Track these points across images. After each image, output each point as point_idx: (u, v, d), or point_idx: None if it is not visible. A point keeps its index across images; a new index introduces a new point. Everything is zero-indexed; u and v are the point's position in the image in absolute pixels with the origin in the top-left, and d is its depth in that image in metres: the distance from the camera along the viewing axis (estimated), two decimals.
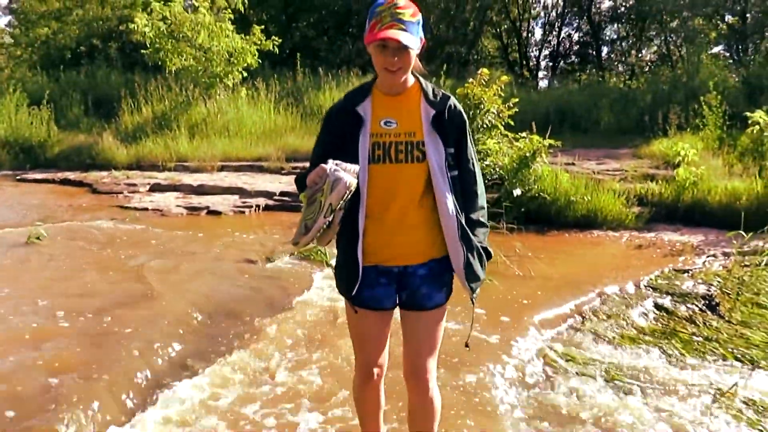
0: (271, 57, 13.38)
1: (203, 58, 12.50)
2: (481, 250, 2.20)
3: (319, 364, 3.55)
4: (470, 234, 2.16)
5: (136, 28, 12.13)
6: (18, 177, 11.01)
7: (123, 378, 3.14)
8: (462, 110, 2.23)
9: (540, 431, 2.98)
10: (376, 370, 2.33)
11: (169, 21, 12.24)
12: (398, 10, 2.05)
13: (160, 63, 12.69)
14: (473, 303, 2.22)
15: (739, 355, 3.90)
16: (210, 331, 3.91)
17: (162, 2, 12.23)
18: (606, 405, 3.22)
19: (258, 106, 13.01)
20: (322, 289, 4.77)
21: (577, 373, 3.59)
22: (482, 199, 2.27)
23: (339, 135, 2.18)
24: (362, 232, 2.13)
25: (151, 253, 5.55)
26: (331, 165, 2.01)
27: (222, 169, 10.50)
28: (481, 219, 2.25)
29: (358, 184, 2.04)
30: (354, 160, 2.09)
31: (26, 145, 12.65)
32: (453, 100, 2.22)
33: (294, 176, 9.65)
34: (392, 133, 2.15)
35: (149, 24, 12.14)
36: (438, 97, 2.20)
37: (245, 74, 12.90)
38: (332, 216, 2.03)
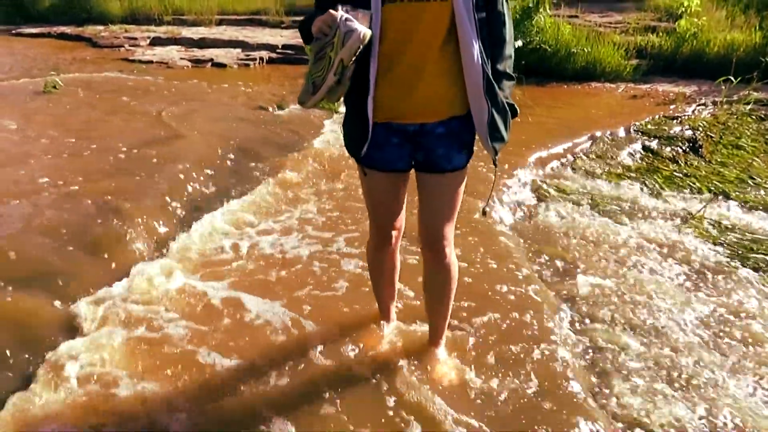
0: None
1: None
2: (507, 107, 1.93)
3: (340, 193, 3.97)
4: (496, 88, 1.88)
5: None
6: (13, 32, 10.87)
7: (167, 200, 3.56)
8: None
9: (534, 248, 3.45)
10: (393, 233, 2.21)
11: None
12: None
13: None
14: (495, 165, 1.99)
15: (712, 188, 4.33)
16: (234, 166, 4.29)
17: None
18: (590, 225, 3.68)
19: None
20: (334, 132, 5.09)
21: (566, 201, 4.03)
22: (510, 47, 1.96)
23: None
24: (373, 84, 1.85)
25: (166, 101, 5.79)
26: (341, 13, 1.76)
27: (220, 23, 10.39)
28: (508, 70, 1.95)
29: (372, 33, 1.79)
30: (366, 1, 1.79)
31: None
32: None
33: (296, 29, 9.48)
34: None
35: None
36: None
37: None
38: (343, 72, 1.81)
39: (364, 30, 1.74)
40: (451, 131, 1.95)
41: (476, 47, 1.82)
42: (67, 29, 10.64)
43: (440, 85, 1.88)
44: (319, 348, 2.44)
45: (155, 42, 9.28)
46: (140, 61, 7.99)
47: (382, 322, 2.52)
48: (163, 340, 2.48)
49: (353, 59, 1.78)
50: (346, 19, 1.75)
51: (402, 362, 2.34)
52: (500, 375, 2.33)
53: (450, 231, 2.09)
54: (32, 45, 9.64)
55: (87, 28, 10.49)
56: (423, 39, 1.83)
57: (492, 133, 1.91)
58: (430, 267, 2.18)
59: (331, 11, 1.77)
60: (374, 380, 2.27)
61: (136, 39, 9.40)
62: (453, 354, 2.43)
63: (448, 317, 2.34)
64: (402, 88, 1.88)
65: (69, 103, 5.59)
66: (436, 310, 2.30)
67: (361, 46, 1.76)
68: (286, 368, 2.33)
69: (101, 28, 10.46)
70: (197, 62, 7.98)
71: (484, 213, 2.21)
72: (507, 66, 1.95)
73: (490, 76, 1.87)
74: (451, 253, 2.13)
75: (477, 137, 1.99)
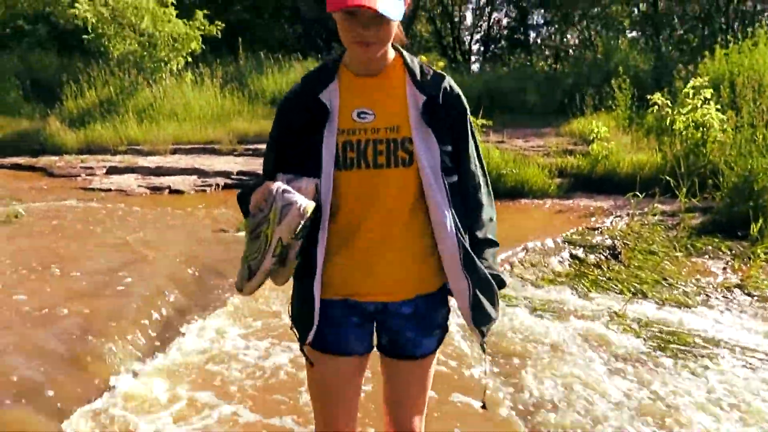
0: (210, 40, 13.71)
1: (147, 44, 12.75)
2: (491, 280, 1.72)
3: None
4: (476, 260, 1.69)
5: (77, 13, 12.22)
6: None
7: (142, 317, 3.81)
8: (461, 93, 1.74)
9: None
10: None
11: (110, 6, 12.40)
12: None
13: (102, 48, 12.84)
14: (483, 349, 1.77)
15: (632, 290, 4.94)
16: (203, 285, 4.60)
17: None
18: (530, 326, 4.14)
19: (203, 91, 13.36)
20: None
21: (507, 305, 4.51)
22: (489, 210, 1.81)
23: (297, 132, 1.67)
24: (322, 259, 1.64)
25: (130, 226, 6.10)
26: (279, 184, 1.56)
27: (175, 152, 10.90)
28: (489, 236, 1.78)
29: (318, 206, 1.60)
30: (317, 167, 1.62)
31: None
32: (449, 81, 1.72)
33: (248, 156, 9.97)
34: (369, 129, 1.65)
35: (90, 9, 12.26)
36: (429, 77, 1.70)
37: (189, 59, 13.24)
38: (284, 252, 1.58)
39: (305, 203, 1.54)
40: (419, 312, 1.74)
41: (449, 216, 1.65)
42: (20, 160, 10.88)
43: (407, 260, 1.70)
44: None
45: (111, 171, 9.66)
46: (99, 189, 8.31)
47: None
48: None
49: (295, 237, 1.55)
50: (284, 191, 1.54)
51: None
52: None
53: (421, 421, 1.86)
54: None
55: (41, 159, 10.78)
56: (386, 209, 1.66)
57: (476, 316, 1.70)
58: None
59: (269, 182, 1.60)
60: None
61: (92, 168, 9.76)
62: None
63: None
64: (361, 262, 1.68)
65: (35, 231, 5.81)
66: None
67: (302, 222, 1.54)
68: None
69: (56, 158, 10.78)
70: (155, 189, 8.38)
71: (484, 407, 1.95)
72: (488, 231, 1.79)
73: (468, 249, 1.68)
74: None
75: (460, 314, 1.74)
